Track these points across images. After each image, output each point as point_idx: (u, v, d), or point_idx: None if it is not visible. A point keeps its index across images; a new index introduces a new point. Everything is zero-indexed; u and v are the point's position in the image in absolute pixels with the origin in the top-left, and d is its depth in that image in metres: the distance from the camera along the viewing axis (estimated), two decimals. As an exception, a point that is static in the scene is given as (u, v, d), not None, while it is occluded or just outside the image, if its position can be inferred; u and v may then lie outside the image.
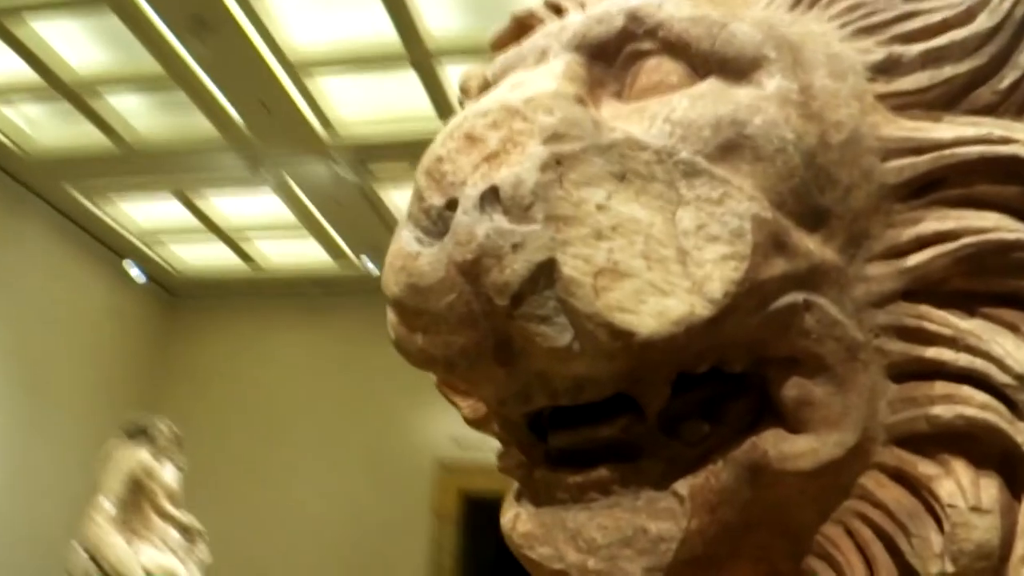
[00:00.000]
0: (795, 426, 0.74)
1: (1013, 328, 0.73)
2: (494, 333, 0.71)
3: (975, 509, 0.69)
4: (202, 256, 8.82)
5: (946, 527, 0.70)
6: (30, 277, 7.76)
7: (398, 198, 7.36)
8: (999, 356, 0.71)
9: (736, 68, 0.77)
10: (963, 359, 0.72)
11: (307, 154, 6.78)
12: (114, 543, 5.41)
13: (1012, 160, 0.74)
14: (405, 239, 0.75)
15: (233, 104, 6.38)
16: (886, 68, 0.79)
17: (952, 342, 0.73)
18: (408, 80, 5.92)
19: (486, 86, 0.88)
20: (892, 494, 0.74)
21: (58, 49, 6.11)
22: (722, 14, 0.79)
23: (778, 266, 0.71)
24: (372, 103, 6.36)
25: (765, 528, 0.76)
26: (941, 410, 0.72)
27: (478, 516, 8.35)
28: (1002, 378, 0.71)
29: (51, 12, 5.80)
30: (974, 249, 0.73)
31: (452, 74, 5.81)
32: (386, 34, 5.55)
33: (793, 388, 0.73)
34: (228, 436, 8.68)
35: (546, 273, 0.67)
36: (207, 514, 6.05)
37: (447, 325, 0.73)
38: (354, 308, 8.55)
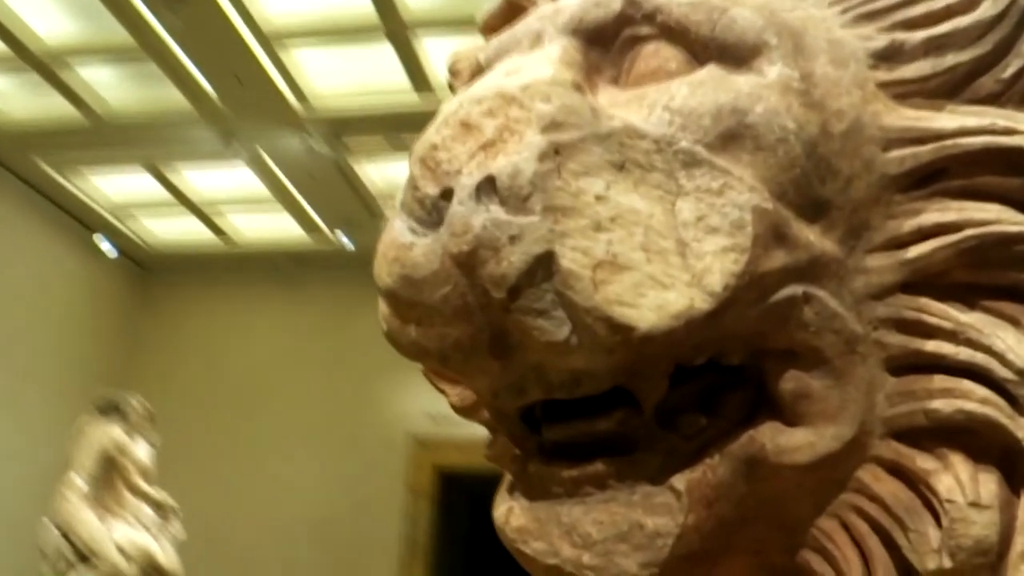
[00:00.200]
0: (792, 419, 0.73)
1: (1014, 322, 0.72)
2: (490, 326, 0.70)
3: (974, 504, 0.69)
4: (174, 230, 8.70)
5: (944, 522, 0.69)
6: (-2, 251, 7.65)
7: (373, 172, 7.30)
8: (1000, 351, 0.70)
9: (736, 54, 0.75)
10: (963, 353, 0.72)
11: (281, 127, 6.69)
12: (86, 520, 5.37)
13: (1015, 151, 0.73)
14: (398, 229, 0.73)
15: (206, 76, 6.27)
16: (888, 55, 0.78)
17: (952, 336, 0.72)
18: (384, 52, 5.84)
19: (479, 70, 0.85)
20: (889, 488, 0.73)
21: (26, 19, 5.97)
22: (722, -1, 0.78)
23: (778, 258, 0.70)
24: (347, 76, 6.27)
25: (761, 522, 0.75)
26: (940, 404, 0.72)
27: (453, 492, 8.37)
28: (1003, 373, 0.70)
29: (18, -19, 5.69)
30: (976, 241, 0.73)
31: (428, 46, 5.74)
32: (361, 5, 5.47)
33: (790, 381, 0.73)
34: (200, 412, 8.61)
35: (544, 266, 0.66)
36: (180, 491, 6.01)
37: (441, 318, 0.71)
38: (328, 283, 8.50)
